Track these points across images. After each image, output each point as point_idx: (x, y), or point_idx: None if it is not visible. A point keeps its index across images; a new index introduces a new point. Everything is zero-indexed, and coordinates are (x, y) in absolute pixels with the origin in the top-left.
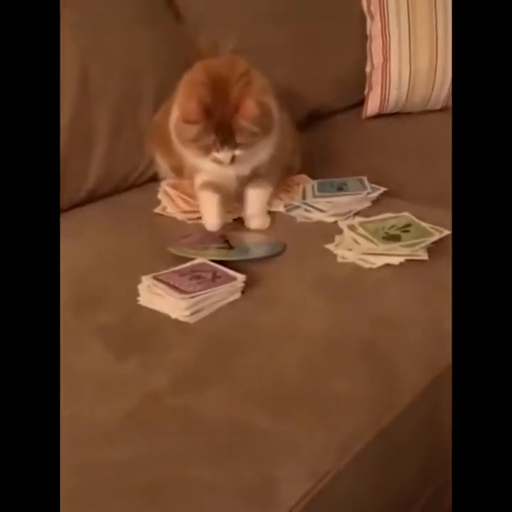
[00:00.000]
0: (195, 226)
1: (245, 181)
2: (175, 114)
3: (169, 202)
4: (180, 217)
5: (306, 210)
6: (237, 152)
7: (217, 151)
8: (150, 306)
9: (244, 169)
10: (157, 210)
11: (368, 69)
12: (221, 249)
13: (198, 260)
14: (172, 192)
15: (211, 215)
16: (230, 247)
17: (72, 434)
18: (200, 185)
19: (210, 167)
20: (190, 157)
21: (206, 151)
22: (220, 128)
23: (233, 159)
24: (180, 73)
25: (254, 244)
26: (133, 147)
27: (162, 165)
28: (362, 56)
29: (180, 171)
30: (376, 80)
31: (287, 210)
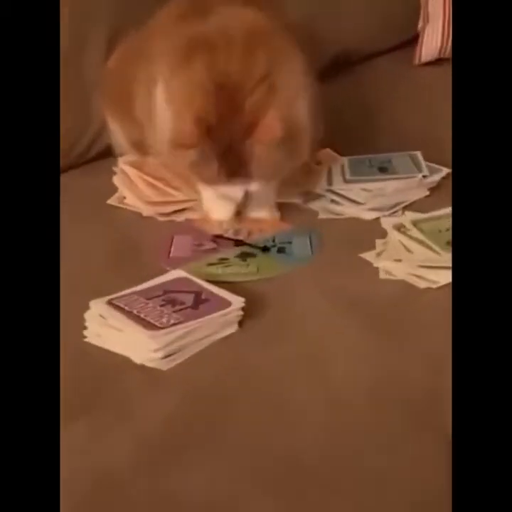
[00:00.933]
0: (173, 225)
1: None
2: (161, 94)
3: (130, 189)
4: (146, 211)
5: (332, 202)
6: (253, 187)
7: (223, 185)
8: (102, 344)
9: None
10: (111, 200)
11: None
12: (243, 258)
13: (175, 275)
14: (133, 173)
15: (222, 206)
16: (265, 249)
17: None
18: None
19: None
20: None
21: (208, 182)
22: (228, 155)
23: (246, 196)
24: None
25: (283, 242)
26: (75, 109)
27: (118, 136)
28: None
29: (144, 147)
30: (436, 6)
31: (305, 202)
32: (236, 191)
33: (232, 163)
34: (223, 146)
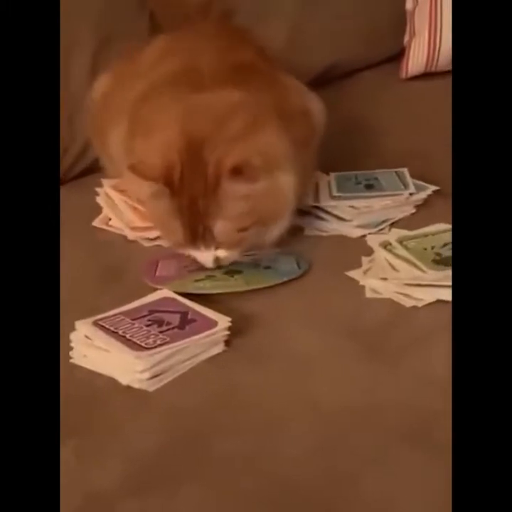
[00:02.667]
0: (158, 250)
1: None
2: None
3: (114, 212)
4: (131, 235)
5: (319, 218)
6: (222, 253)
7: (189, 248)
8: (88, 366)
9: None
10: (97, 222)
11: (408, 5)
12: (230, 274)
13: (161, 295)
14: (117, 197)
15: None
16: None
17: None
18: None
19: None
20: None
21: (174, 244)
22: (192, 215)
23: (218, 260)
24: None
25: (269, 260)
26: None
27: (101, 160)
28: None
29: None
30: (421, 21)
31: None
32: (205, 257)
33: (196, 226)
34: (187, 202)
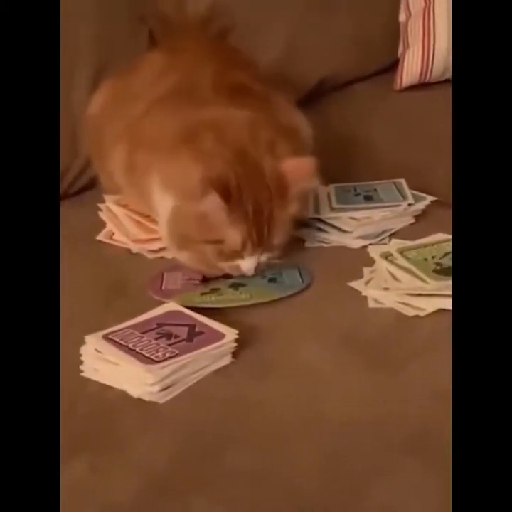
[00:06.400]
0: (162, 262)
1: None
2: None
3: (117, 226)
4: (134, 248)
5: (319, 230)
6: (264, 258)
7: (244, 257)
8: (98, 379)
9: None
10: (101, 236)
11: (401, 17)
12: (235, 287)
13: (169, 308)
14: (120, 212)
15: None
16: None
17: None
18: None
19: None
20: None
21: (227, 258)
22: (257, 220)
23: (259, 265)
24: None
25: (273, 273)
26: (61, 141)
27: (101, 178)
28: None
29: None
30: (415, 32)
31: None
32: (250, 264)
33: (260, 231)
34: (252, 210)
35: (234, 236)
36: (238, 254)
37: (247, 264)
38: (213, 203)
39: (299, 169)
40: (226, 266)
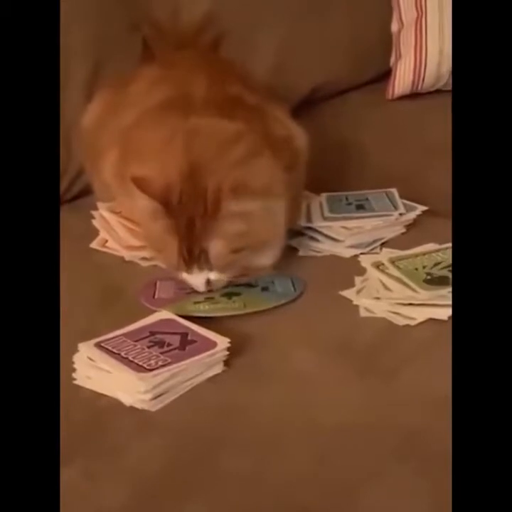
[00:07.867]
0: (155, 269)
1: None
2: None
3: (110, 233)
4: (127, 255)
5: (312, 239)
6: (213, 276)
7: (182, 271)
8: (91, 386)
9: None
10: (94, 244)
11: (394, 28)
12: (228, 296)
13: (161, 316)
14: (112, 219)
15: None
16: (249, 285)
17: None
18: None
19: None
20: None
21: (166, 264)
22: (189, 235)
23: (209, 283)
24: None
25: (265, 282)
26: None
27: (94, 186)
28: (385, 10)
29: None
30: (407, 43)
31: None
32: (197, 280)
33: (192, 249)
34: (185, 222)
35: (167, 249)
36: (178, 268)
37: (192, 280)
38: (156, 210)
39: (238, 189)
40: (180, 277)
